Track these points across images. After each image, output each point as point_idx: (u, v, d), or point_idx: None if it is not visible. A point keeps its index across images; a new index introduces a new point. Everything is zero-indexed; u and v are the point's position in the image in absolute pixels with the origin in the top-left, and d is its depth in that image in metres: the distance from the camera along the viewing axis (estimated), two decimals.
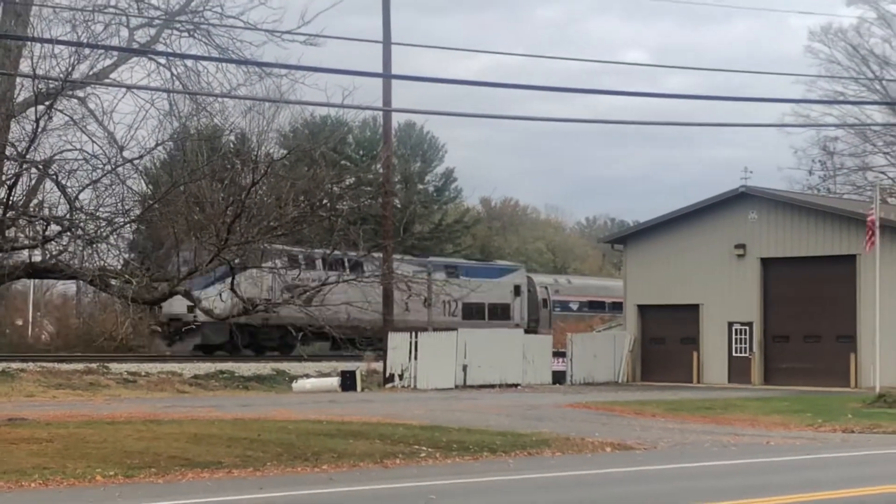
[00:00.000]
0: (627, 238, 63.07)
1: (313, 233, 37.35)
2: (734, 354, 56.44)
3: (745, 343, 56.19)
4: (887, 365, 47.57)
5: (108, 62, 28.33)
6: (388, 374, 53.52)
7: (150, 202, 28.76)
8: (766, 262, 55.76)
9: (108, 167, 26.43)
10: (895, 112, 76.72)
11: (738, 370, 56.03)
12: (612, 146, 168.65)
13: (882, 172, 75.79)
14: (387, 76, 46.19)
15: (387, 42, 51.75)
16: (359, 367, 52.92)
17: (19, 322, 60.29)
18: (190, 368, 52.95)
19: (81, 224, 26.33)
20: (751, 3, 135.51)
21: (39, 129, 25.79)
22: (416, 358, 52.77)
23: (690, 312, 57.49)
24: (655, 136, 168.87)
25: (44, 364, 49.25)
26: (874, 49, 77.52)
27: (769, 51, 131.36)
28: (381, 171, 67.12)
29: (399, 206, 73.44)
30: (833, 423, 34.35)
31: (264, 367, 55.61)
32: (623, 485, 20.63)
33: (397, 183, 73.88)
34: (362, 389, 50.21)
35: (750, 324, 56.05)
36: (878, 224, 46.79)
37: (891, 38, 77.83)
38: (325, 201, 35.00)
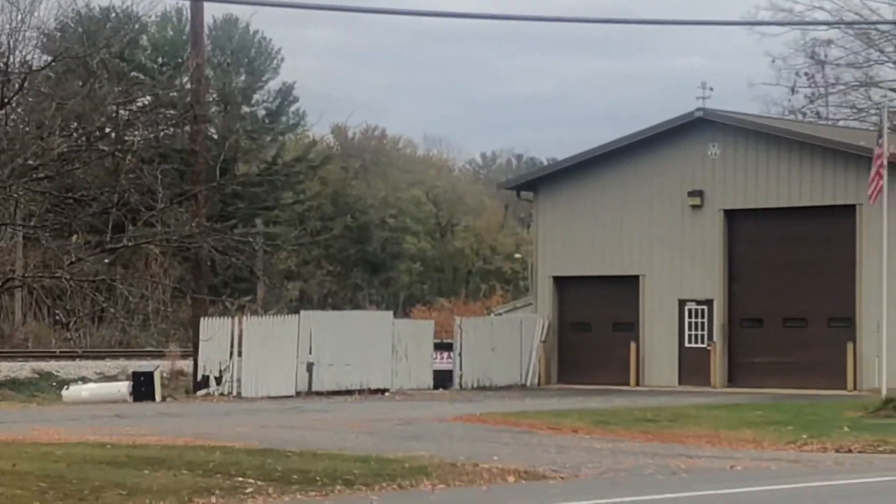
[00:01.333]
0: (539, 183, 60.37)
1: (90, 175, 33.84)
2: (688, 345, 54.30)
3: (703, 329, 54.02)
4: None
5: None
6: (200, 377, 49.80)
7: None
8: (732, 217, 53.64)
9: None
10: None
11: (692, 367, 53.84)
12: (521, 54, 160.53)
13: (893, 90, 73.94)
14: None
15: None
16: (158, 367, 51.54)
17: None
18: None
19: None
20: None
21: None
22: (240, 353, 49.18)
23: (627, 287, 55.53)
24: (584, 41, 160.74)
25: None
26: None
27: None
28: (188, 87, 63.21)
29: (215, 137, 70.85)
30: (823, 440, 32.77)
31: (22, 368, 53.12)
32: None
33: (213, 104, 70.36)
34: (163, 399, 47.89)
35: (710, 302, 53.97)
36: (886, 162, 44.69)
37: None
38: (107, 130, 32.18)
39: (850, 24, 72.09)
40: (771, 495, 23.00)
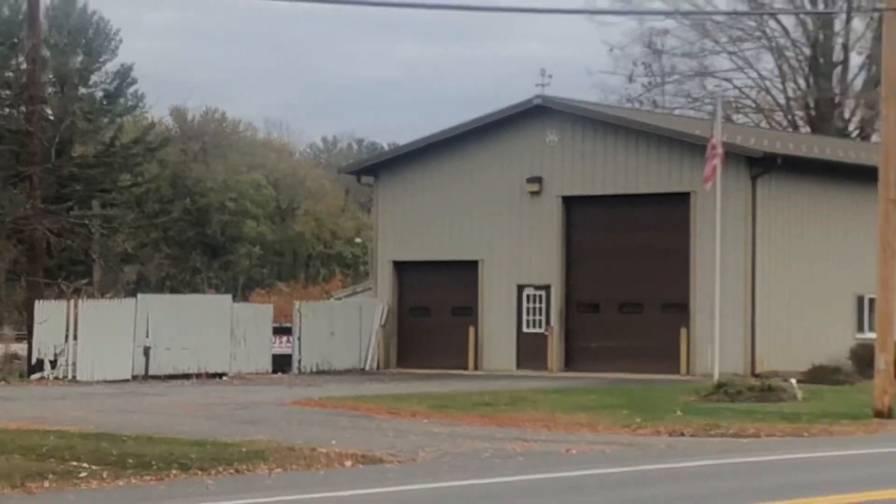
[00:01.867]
0: (380, 168, 61.54)
1: None
2: (526, 330, 55.59)
3: (542, 314, 55.35)
4: (729, 344, 48.38)
5: None
6: (34, 361, 50.06)
7: None
8: (570, 203, 55.07)
9: None
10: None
11: (530, 352, 55.10)
12: (364, 38, 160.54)
13: (726, 79, 76.88)
14: None
15: None
16: None
17: None
18: None
19: None
20: None
21: None
22: (76, 337, 49.88)
23: (466, 272, 56.63)
24: (426, 27, 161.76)
25: None
26: None
27: None
28: (24, 67, 64.19)
29: (51, 118, 69.61)
30: (657, 424, 34.05)
31: None
32: None
33: (49, 85, 69.96)
34: None
35: (547, 287, 55.25)
36: (721, 151, 46.03)
37: None
38: None
39: (685, 13, 73.30)
40: (605, 478, 23.07)
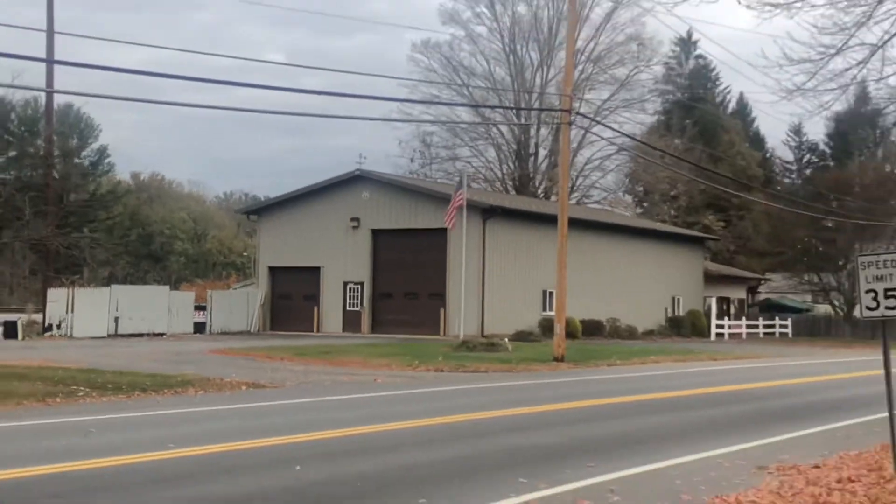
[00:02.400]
0: (262, 210, 61.43)
1: None
2: (348, 308, 55.84)
3: (358, 299, 55.70)
4: (469, 318, 48.09)
5: None
6: (47, 325, 50.07)
7: None
8: (376, 233, 55.23)
9: None
10: (478, 114, 75.98)
11: (351, 321, 55.44)
12: (250, 132, 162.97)
13: (468, 162, 78.65)
14: (49, 62, 42.63)
15: (50, 31, 49.05)
16: (20, 318, 50.18)
17: None
18: None
19: None
20: (369, 17, 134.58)
21: None
22: (72, 310, 50.00)
23: (313, 274, 56.65)
24: (289, 126, 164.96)
25: None
26: (463, 61, 79.72)
27: (382, 58, 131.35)
28: (42, 145, 63.42)
29: (58, 177, 67.88)
30: (428, 364, 34.20)
31: None
32: (256, 418, 19.43)
33: (57, 157, 67.96)
34: (23, 338, 46.89)
35: (362, 283, 55.55)
36: (464, 203, 46.07)
37: (476, 53, 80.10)
38: None
39: (444, 122, 74.55)
40: (398, 395, 24.33)
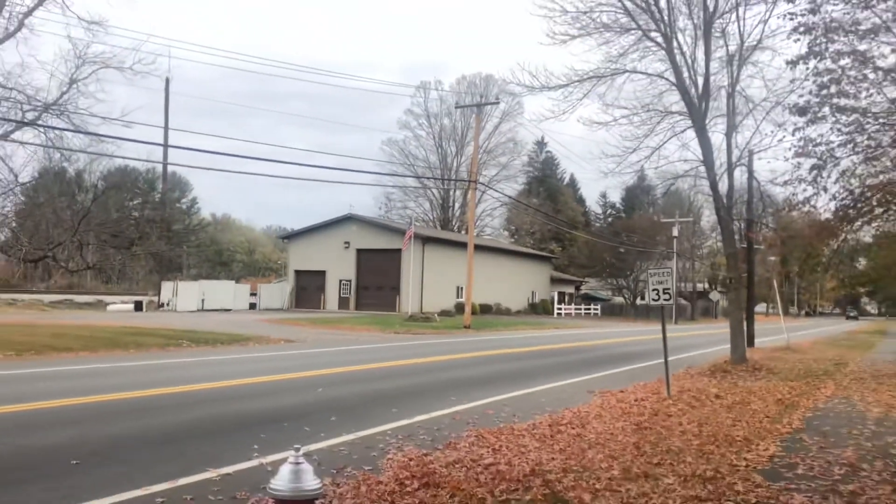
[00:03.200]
0: (290, 236, 59.60)
1: (125, 226, 34.70)
2: (342, 295, 54.59)
3: (348, 290, 54.50)
4: (413, 302, 47.79)
5: (10, 127, 23.44)
6: (160, 303, 48.87)
7: (31, 208, 27.34)
8: (360, 251, 54.05)
9: (10, 187, 24.46)
10: (420, 182, 76.00)
11: (343, 303, 54.17)
12: (286, 188, 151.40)
13: (413, 210, 76.64)
14: (165, 146, 41.78)
15: (166, 126, 48.10)
16: (145, 299, 49.37)
17: None
18: (47, 297, 47.13)
19: None
20: (360, 125, 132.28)
21: None
22: (176, 295, 48.93)
23: (321, 274, 55.26)
24: (309, 186, 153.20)
25: None
26: (411, 151, 78.15)
27: (366, 149, 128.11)
28: (159, 194, 62.60)
29: (168, 214, 65.16)
30: (391, 329, 33.52)
31: (91, 298, 49.89)
32: (291, 360, 18.65)
33: (167, 202, 67.01)
34: (146, 311, 45.56)
35: (350, 280, 54.41)
36: (411, 235, 45.95)
37: (418, 146, 78.81)
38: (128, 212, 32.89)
39: (398, 186, 73.80)
40: (371, 348, 23.10)
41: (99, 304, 48.21)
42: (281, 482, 3.99)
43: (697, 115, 18.27)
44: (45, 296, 48.52)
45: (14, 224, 27.77)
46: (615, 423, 9.90)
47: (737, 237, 21.46)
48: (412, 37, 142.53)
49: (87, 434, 8.47)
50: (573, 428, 9.55)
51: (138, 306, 46.44)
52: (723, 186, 18.90)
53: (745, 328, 18.78)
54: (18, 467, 6.89)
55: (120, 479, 6.55)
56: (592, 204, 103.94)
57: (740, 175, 21.73)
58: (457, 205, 79.46)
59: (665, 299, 12.73)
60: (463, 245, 45.83)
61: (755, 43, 18.15)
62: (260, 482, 6.46)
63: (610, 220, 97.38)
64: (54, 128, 23.76)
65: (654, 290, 12.84)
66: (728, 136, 18.80)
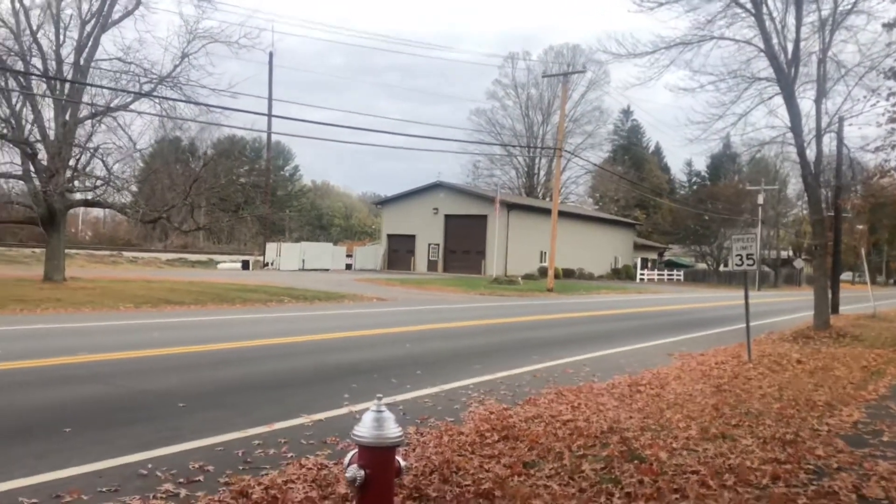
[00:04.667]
0: (384, 202, 59.67)
1: (232, 192, 36.02)
2: (430, 258, 54.73)
3: (437, 253, 54.57)
4: (498, 265, 47.85)
5: (128, 99, 24.77)
6: (264, 263, 49.79)
7: (147, 173, 28.21)
8: (448, 216, 54.01)
9: (128, 153, 25.63)
10: (506, 150, 75.11)
11: (432, 265, 54.29)
12: (379, 157, 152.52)
13: (499, 177, 75.02)
14: (269, 115, 42.05)
15: (270, 97, 48.25)
16: (251, 258, 50.86)
17: (73, 230, 54.78)
18: (164, 256, 48.70)
19: (114, 181, 25.42)
20: (450, 94, 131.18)
21: (93, 131, 25.30)
22: (280, 255, 49.75)
23: (411, 238, 55.46)
24: (401, 154, 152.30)
25: (88, 251, 45.13)
26: (498, 120, 77.76)
27: (454, 117, 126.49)
28: (264, 162, 63.28)
29: (272, 180, 67.13)
30: (476, 291, 33.49)
31: (203, 257, 51.24)
32: (383, 317, 18.71)
33: (271, 170, 66.53)
34: (252, 269, 46.69)
35: (439, 244, 54.49)
36: (498, 201, 46.26)
37: (505, 116, 77.57)
38: (236, 177, 33.75)
39: (486, 154, 74.07)
40: (460, 308, 23.44)
41: (210, 262, 49.70)
42: (364, 429, 3.94)
43: (786, 81, 17.35)
44: (162, 254, 50.25)
45: (133, 188, 29.23)
46: (694, 385, 9.60)
47: (823, 205, 20.40)
48: (503, 8, 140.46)
49: (194, 380, 8.74)
50: (652, 388, 9.31)
51: (245, 265, 47.71)
52: (810, 153, 17.98)
53: (829, 295, 17.90)
54: (129, 408, 7.15)
55: (221, 421, 6.72)
56: (677, 172, 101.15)
57: (829, 142, 20.63)
58: (542, 172, 78.53)
59: (748, 264, 12.23)
60: (547, 211, 45.32)
61: (850, 6, 17.05)
62: (348, 428, 6.38)
63: (695, 187, 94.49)
64: (168, 98, 24.55)
65: (737, 255, 12.34)
66: (818, 102, 17.82)
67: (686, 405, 8.14)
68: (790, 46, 17.48)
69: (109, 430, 6.28)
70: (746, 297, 12.47)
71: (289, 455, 5.80)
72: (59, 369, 9.08)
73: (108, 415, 6.81)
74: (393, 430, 4.04)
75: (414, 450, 5.98)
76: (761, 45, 17.52)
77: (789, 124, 17.73)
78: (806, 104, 18.43)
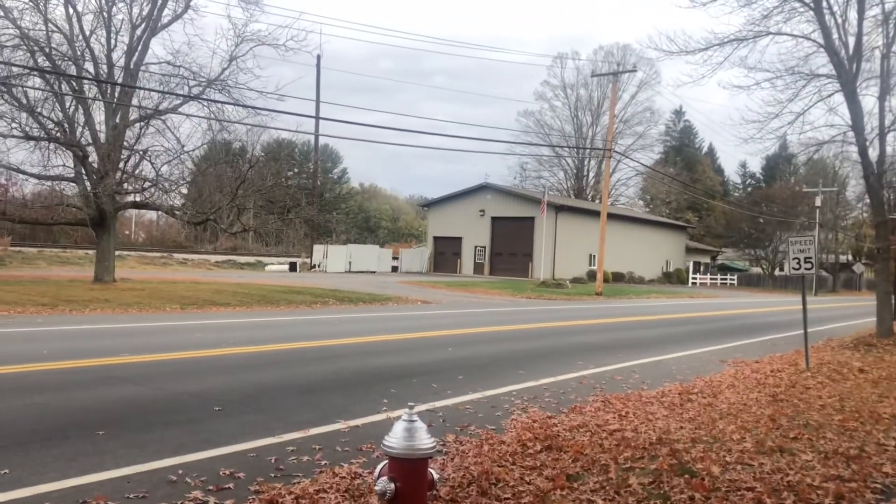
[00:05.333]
0: (430, 204, 59.55)
1: (280, 194, 36.23)
2: (476, 261, 54.30)
3: (482, 256, 54.12)
4: (546, 268, 47.70)
5: (177, 101, 24.85)
6: (312, 265, 49.73)
7: (195, 175, 27.73)
8: (494, 219, 53.45)
9: (176, 154, 25.51)
10: (554, 151, 74.54)
11: (478, 268, 53.88)
12: (426, 160, 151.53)
13: (547, 179, 75.07)
14: (317, 118, 42.51)
15: (317, 101, 48.87)
16: (298, 260, 50.57)
17: (126, 232, 55.77)
18: (214, 258, 49.09)
19: (162, 183, 25.48)
20: (498, 96, 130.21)
21: (141, 134, 25.31)
22: (327, 257, 49.67)
23: (457, 241, 55.11)
24: (449, 156, 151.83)
25: (139, 253, 45.71)
26: (546, 121, 76.69)
27: (502, 119, 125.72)
28: (312, 165, 63.45)
29: (320, 183, 67.88)
30: (523, 294, 33.33)
31: (252, 259, 51.50)
32: (426, 320, 18.47)
33: (319, 172, 67.25)
34: (299, 271, 46.79)
35: (485, 246, 53.99)
36: (545, 203, 46.23)
37: (554, 117, 76.73)
38: (284, 180, 34.93)
39: (533, 155, 74.81)
40: (505, 311, 23.11)
41: (258, 264, 50.06)
42: (394, 440, 3.77)
43: (847, 77, 16.68)
44: (211, 256, 50.83)
45: (183, 189, 29.56)
46: (749, 394, 9.22)
47: (886, 207, 19.60)
48: (551, 10, 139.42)
49: (232, 382, 8.66)
50: (704, 397, 8.96)
51: (292, 267, 47.72)
52: (873, 153, 17.25)
53: (892, 301, 17.16)
54: (166, 410, 7.09)
55: (256, 426, 6.62)
56: (731, 173, 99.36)
57: (893, 140, 19.80)
58: (591, 174, 77.66)
59: (806, 268, 11.73)
60: (596, 213, 44.85)
61: None
62: (385, 435, 6.33)
63: (749, 189, 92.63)
64: (216, 101, 24.61)
65: (794, 258, 11.85)
66: (881, 99, 17.12)
67: (740, 415, 7.79)
68: (851, 41, 16.82)
69: (143, 433, 6.22)
70: (804, 303, 11.97)
71: (323, 463, 5.66)
72: (100, 370, 9.10)
73: (142, 417, 6.76)
74: (425, 440, 3.87)
75: (452, 459, 5.78)
76: (821, 41, 16.89)
77: (850, 122, 17.05)
78: (868, 102, 17.69)
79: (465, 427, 6.98)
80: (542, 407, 8.08)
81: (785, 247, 68.82)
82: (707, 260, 74.68)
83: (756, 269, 73.55)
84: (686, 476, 5.35)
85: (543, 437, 6.47)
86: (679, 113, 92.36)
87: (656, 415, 7.73)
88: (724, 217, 73.55)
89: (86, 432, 6.13)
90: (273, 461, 5.62)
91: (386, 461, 3.87)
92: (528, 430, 6.79)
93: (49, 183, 25.76)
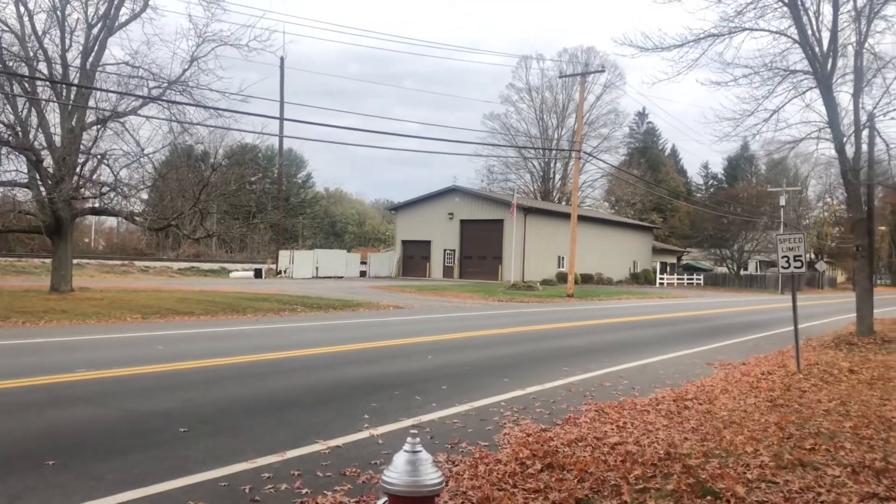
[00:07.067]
0: (398, 208, 58.76)
1: (244, 199, 35.36)
2: (446, 264, 53.92)
3: (452, 259, 53.74)
4: (515, 270, 46.71)
5: (136, 103, 23.87)
6: (277, 271, 49.00)
7: (155, 179, 26.43)
8: (463, 221, 53.13)
9: (135, 158, 24.73)
10: (520, 153, 73.74)
11: (448, 272, 53.51)
12: (394, 164, 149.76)
13: (514, 182, 73.75)
14: (281, 119, 41.60)
15: (282, 101, 48.34)
16: (264, 266, 49.58)
17: (86, 240, 54.06)
18: (176, 265, 47.83)
19: (121, 188, 24.59)
20: (465, 101, 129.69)
21: (99, 137, 24.58)
22: (293, 262, 48.89)
23: (426, 244, 54.78)
24: (416, 158, 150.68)
25: (99, 261, 44.22)
26: (512, 124, 76.12)
27: (469, 123, 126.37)
28: (276, 169, 62.44)
29: (285, 187, 67.15)
30: (494, 297, 33.00)
31: (215, 266, 50.37)
32: (399, 325, 18.18)
33: (284, 176, 66.42)
34: (265, 277, 45.92)
35: (454, 250, 53.62)
36: (515, 205, 45.24)
37: (519, 119, 76.01)
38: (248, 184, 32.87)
39: (500, 157, 72.65)
40: (478, 316, 22.65)
41: (222, 271, 49.04)
42: (395, 474, 3.18)
43: (823, 73, 16.49)
44: (174, 264, 49.54)
45: (143, 194, 28.53)
46: (745, 399, 8.82)
47: (866, 207, 19.45)
48: (516, 14, 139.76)
49: (199, 399, 8.01)
50: (700, 403, 8.52)
51: (258, 273, 46.80)
52: (849, 149, 17.06)
53: (872, 299, 16.98)
54: (127, 434, 6.42)
55: (227, 449, 5.99)
56: (694, 175, 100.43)
57: (867, 137, 19.66)
58: (557, 176, 77.60)
59: (796, 267, 11.37)
60: (564, 215, 44.63)
61: None
62: (370, 457, 5.84)
63: (712, 190, 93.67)
64: (177, 102, 23.76)
65: (783, 257, 11.49)
66: (855, 96, 16.93)
67: (744, 423, 7.35)
68: (826, 36, 16.63)
69: (99, 461, 5.54)
70: (794, 302, 11.61)
71: (303, 491, 5.08)
72: (52, 388, 8.36)
73: (99, 443, 6.08)
74: (431, 475, 3.27)
75: (447, 483, 5.20)
76: (796, 36, 16.66)
77: (826, 119, 16.85)
78: (844, 98, 17.51)
79: (456, 444, 6.47)
80: (534, 419, 7.60)
81: (751, 246, 69.58)
82: (673, 260, 75.12)
83: (721, 269, 74.14)
84: (708, 498, 4.86)
85: (542, 454, 5.97)
86: (642, 115, 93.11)
87: (655, 424, 7.30)
88: (689, 217, 74.22)
89: (33, 464, 5.45)
90: (247, 490, 5.04)
91: (385, 499, 3.28)
92: (524, 445, 6.29)
93: (1, 189, 24.69)
